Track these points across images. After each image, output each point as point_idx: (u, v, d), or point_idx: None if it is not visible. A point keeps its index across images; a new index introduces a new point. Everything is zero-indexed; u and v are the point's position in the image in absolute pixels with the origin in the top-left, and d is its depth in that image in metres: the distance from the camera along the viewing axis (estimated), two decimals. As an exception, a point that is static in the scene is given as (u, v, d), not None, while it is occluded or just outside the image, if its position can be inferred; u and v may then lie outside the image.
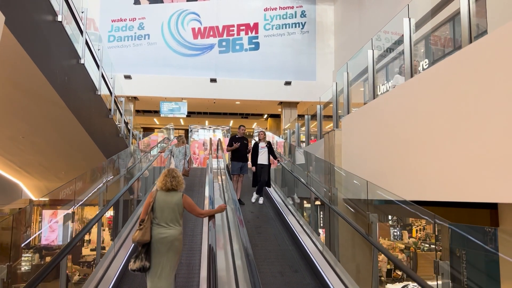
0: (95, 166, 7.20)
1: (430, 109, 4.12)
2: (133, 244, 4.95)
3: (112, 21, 17.73)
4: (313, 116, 10.38)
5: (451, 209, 4.99)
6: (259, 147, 8.28)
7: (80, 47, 6.59)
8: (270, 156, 8.32)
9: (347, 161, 6.65)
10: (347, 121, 6.77)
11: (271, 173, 8.98)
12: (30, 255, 11.37)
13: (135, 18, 17.88)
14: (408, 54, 4.73)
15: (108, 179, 5.48)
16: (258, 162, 8.19)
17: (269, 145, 8.38)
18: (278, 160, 8.68)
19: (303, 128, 12.01)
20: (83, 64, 6.66)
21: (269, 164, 8.32)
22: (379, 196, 4.33)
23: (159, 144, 12.16)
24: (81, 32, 6.79)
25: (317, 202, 7.26)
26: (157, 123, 24.61)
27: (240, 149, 8.32)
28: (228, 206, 5.57)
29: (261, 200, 8.41)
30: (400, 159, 4.84)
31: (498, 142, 3.10)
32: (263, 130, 9.72)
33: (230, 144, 8.52)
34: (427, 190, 4.31)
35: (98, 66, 7.87)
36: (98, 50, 7.92)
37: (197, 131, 21.19)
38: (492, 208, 4.62)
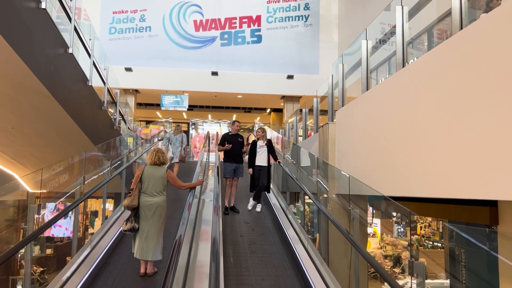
0: (91, 160, 7.14)
1: (424, 100, 3.90)
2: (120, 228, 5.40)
3: (114, 13, 17.60)
4: (311, 110, 10.17)
5: (450, 206, 4.80)
6: (257, 146, 7.26)
7: (68, 36, 6.44)
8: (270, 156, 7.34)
9: (340, 155, 6.46)
10: (341, 115, 6.58)
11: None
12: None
13: (137, 10, 17.73)
14: (400, 43, 4.52)
15: (85, 176, 5.38)
16: (256, 164, 7.20)
17: (269, 144, 7.36)
18: (278, 162, 7.64)
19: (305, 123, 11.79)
20: (72, 53, 6.50)
21: (269, 166, 7.34)
22: (361, 191, 4.14)
23: (152, 139, 12.24)
24: (70, 20, 6.63)
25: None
26: (160, 116, 24.55)
27: (234, 148, 7.26)
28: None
29: (258, 208, 7.38)
30: (393, 153, 4.63)
31: (498, 137, 2.86)
32: (262, 126, 8.95)
33: (222, 143, 7.40)
34: (422, 186, 4.07)
35: (90, 56, 7.72)
36: (90, 40, 7.77)
37: (202, 125, 21.05)
38: (492, 205, 4.42)
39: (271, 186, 8.45)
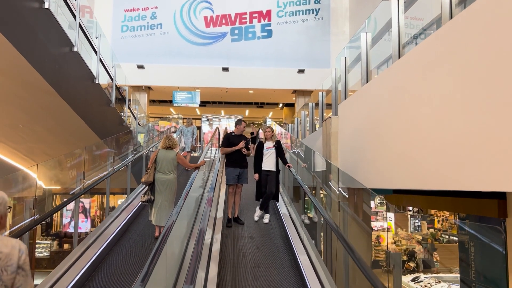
0: (98, 154, 7.31)
1: (426, 91, 3.81)
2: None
3: (125, 11, 17.84)
4: (318, 105, 10.12)
5: (458, 199, 4.72)
6: (264, 148, 6.48)
7: (73, 35, 6.56)
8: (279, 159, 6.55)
9: (343, 148, 6.42)
10: (343, 108, 6.52)
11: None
12: (49, 242, 11.72)
13: (148, 8, 17.92)
14: (396, 34, 4.46)
15: (85, 171, 5.62)
16: (263, 168, 6.42)
17: (278, 145, 6.54)
18: (288, 166, 6.61)
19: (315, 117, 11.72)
20: (77, 52, 6.62)
21: (278, 171, 6.55)
22: (355, 184, 4.11)
23: (161, 134, 12.68)
24: (75, 19, 6.75)
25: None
26: (174, 112, 24.79)
27: (237, 151, 6.42)
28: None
29: (266, 219, 6.52)
30: (396, 146, 4.55)
31: (506, 127, 2.73)
32: (270, 126, 7.75)
33: (225, 144, 6.55)
34: (427, 178, 3.94)
35: (96, 53, 7.86)
36: (96, 38, 7.91)
37: (219, 120, 21.16)
38: (500, 198, 4.34)
39: (280, 191, 7.58)
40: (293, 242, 5.41)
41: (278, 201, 6.85)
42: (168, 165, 5.76)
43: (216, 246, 4.75)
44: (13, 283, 1.80)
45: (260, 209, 6.56)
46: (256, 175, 6.44)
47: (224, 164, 6.75)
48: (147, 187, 5.71)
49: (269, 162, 6.43)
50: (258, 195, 6.57)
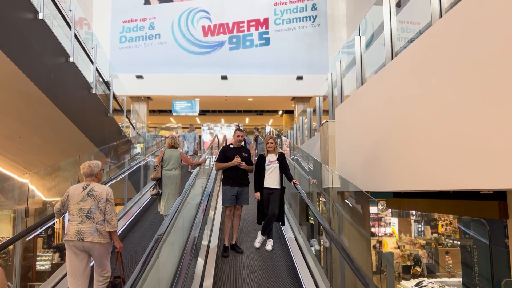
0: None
1: (419, 90, 3.77)
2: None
3: (123, 22, 17.97)
4: (316, 111, 10.11)
5: (459, 202, 4.69)
6: (266, 162, 5.58)
7: (68, 45, 6.59)
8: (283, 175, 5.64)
9: (340, 152, 6.39)
10: (339, 112, 6.52)
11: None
12: (51, 254, 11.67)
13: (146, 18, 18.06)
14: (389, 35, 4.45)
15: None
16: (265, 186, 5.49)
17: (282, 158, 5.63)
18: (293, 182, 5.53)
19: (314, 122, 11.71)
20: (73, 62, 6.65)
21: (283, 188, 5.59)
22: (356, 188, 4.06)
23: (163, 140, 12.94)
24: (71, 30, 6.79)
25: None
26: (174, 122, 24.82)
27: (235, 166, 5.52)
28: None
29: (269, 245, 5.57)
30: (390, 147, 4.52)
31: (502, 124, 2.67)
32: (272, 136, 6.78)
33: (220, 159, 5.65)
34: (423, 179, 3.87)
35: (92, 63, 7.89)
36: (92, 48, 7.95)
37: (220, 128, 21.18)
38: (501, 199, 4.30)
39: (286, 211, 6.68)
40: (301, 276, 4.56)
41: (283, 224, 5.84)
42: (174, 162, 6.53)
43: (208, 282, 4.12)
44: (105, 209, 3.64)
45: (262, 234, 5.61)
46: (257, 194, 5.50)
47: (221, 181, 5.79)
48: (155, 183, 6.43)
49: (272, 179, 5.50)
50: (260, 217, 5.60)
